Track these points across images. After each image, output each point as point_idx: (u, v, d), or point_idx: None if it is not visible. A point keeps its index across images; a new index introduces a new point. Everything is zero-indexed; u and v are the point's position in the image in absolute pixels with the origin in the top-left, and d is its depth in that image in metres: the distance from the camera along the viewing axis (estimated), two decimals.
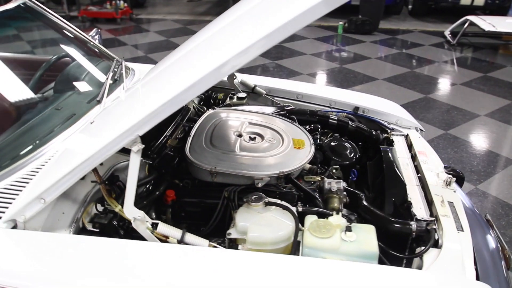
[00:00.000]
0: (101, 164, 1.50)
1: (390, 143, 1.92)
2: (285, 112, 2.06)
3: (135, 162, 1.17)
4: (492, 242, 1.70)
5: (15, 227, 1.25)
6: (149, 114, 1.09)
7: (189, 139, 1.69)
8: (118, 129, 1.11)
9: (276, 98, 2.34)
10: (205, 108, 2.14)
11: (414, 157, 1.81)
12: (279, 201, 1.41)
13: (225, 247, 1.35)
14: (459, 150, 3.60)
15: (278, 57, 6.17)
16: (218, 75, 1.07)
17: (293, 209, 1.39)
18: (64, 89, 1.97)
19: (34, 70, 2.07)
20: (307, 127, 2.00)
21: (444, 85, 5.13)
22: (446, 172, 2.11)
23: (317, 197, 1.52)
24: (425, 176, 1.65)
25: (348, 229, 1.32)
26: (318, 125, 2.02)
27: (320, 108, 2.24)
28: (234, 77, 2.32)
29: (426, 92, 4.85)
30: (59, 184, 1.19)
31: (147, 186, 1.58)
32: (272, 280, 1.11)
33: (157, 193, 1.54)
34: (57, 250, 1.18)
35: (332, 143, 1.84)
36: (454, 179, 1.63)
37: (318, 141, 1.90)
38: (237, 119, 1.89)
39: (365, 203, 1.53)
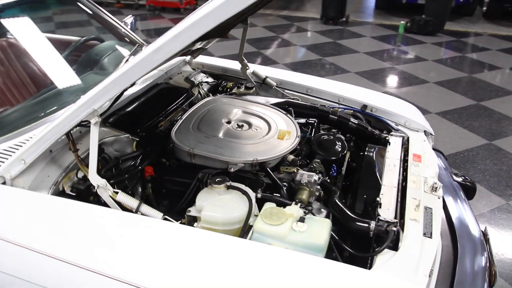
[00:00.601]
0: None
1: (386, 143, 1.87)
2: (285, 104, 2.07)
3: (94, 133, 1.28)
4: (480, 256, 1.62)
5: (5, 183, 1.42)
6: (101, 90, 1.19)
7: (179, 122, 1.78)
8: (78, 103, 1.23)
9: (286, 90, 2.36)
10: (211, 95, 2.22)
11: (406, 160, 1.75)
12: (240, 186, 1.45)
13: (184, 223, 1.43)
14: (499, 162, 3.34)
15: (328, 54, 6.09)
16: (153, 59, 1.14)
17: (253, 195, 1.42)
18: (84, 69, 2.16)
19: (63, 50, 2.28)
20: (304, 121, 2.00)
21: (501, 93, 4.75)
22: (459, 180, 2.03)
23: (283, 187, 1.54)
24: (407, 179, 1.60)
25: (301, 220, 1.33)
26: (315, 120, 2.01)
27: (329, 104, 2.23)
28: (247, 67, 2.37)
29: (478, 99, 4.54)
30: (33, 149, 1.34)
31: (133, 161, 1.69)
32: (208, 258, 1.17)
33: (139, 168, 1.65)
34: (28, 206, 1.33)
35: (320, 138, 1.83)
36: (441, 185, 1.56)
37: (308, 134, 1.90)
38: (232, 107, 1.95)
39: (336, 199, 1.52)
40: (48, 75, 2.21)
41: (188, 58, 2.51)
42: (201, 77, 2.37)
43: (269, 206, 1.39)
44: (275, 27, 7.60)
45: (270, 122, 1.84)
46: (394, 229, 1.31)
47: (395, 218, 1.41)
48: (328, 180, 1.68)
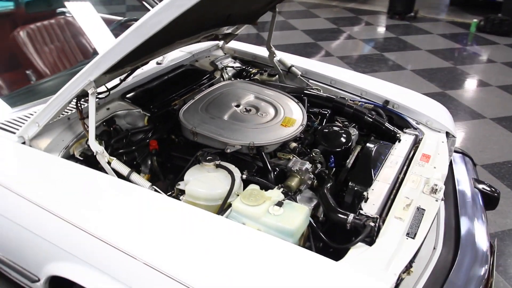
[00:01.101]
0: (108, 109, 1.79)
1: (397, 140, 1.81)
2: (301, 93, 2.08)
3: (91, 103, 1.39)
4: (479, 267, 1.54)
5: (24, 143, 1.60)
6: (95, 62, 1.30)
7: (190, 102, 1.87)
8: (77, 75, 1.35)
9: (310, 80, 2.35)
10: (233, 79, 2.28)
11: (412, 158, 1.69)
12: (229, 166, 1.50)
13: (174, 196, 1.51)
14: None
15: (388, 49, 5.87)
16: (139, 32, 1.22)
17: (238, 175, 1.47)
18: None
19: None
20: (318, 111, 2.00)
21: None
22: (480, 188, 1.91)
23: (272, 172, 1.56)
24: (406, 178, 1.55)
25: (279, 204, 1.35)
26: (327, 110, 2.00)
27: (351, 97, 2.19)
28: (274, 55, 2.39)
29: None
30: (44, 113, 1.49)
31: (143, 135, 1.80)
32: (179, 229, 1.25)
33: (146, 141, 1.75)
34: (38, 165, 1.49)
35: (325, 129, 1.82)
36: (443, 187, 1.50)
37: (317, 124, 1.89)
38: (246, 92, 1.99)
39: (324, 189, 1.52)
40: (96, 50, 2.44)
41: (221, 43, 2.58)
42: (228, 62, 2.44)
43: (251, 187, 1.43)
44: (338, 19, 7.44)
45: (278, 109, 1.86)
46: (372, 224, 1.29)
47: (381, 214, 1.38)
48: (327, 171, 1.68)
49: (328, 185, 1.55)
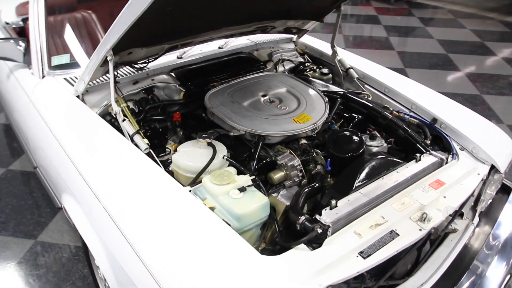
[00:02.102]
0: (153, 79, 2.03)
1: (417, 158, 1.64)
2: (339, 94, 2.02)
3: (110, 67, 1.62)
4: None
5: (79, 97, 1.93)
6: (108, 33, 1.50)
7: (223, 85, 1.99)
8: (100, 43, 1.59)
9: (365, 85, 2.25)
10: (286, 72, 2.32)
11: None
12: (218, 145, 1.59)
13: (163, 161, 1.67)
14: None
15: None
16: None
17: (221, 155, 1.55)
18: None
19: None
20: (350, 115, 1.94)
21: None
22: None
23: (256, 160, 1.59)
24: (395, 197, 1.43)
25: (241, 189, 1.40)
26: (358, 116, 1.91)
27: (399, 108, 2.05)
28: (336, 54, 2.35)
29: None
30: (85, 73, 1.77)
31: (176, 108, 1.99)
32: (143, 187, 1.40)
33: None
34: (75, 114, 1.81)
35: (339, 133, 1.75)
36: (438, 220, 1.38)
37: (334, 126, 1.84)
38: (281, 84, 2.02)
39: (302, 188, 1.51)
40: None
41: (294, 37, 2.63)
42: (290, 56, 2.48)
43: (226, 169, 1.50)
44: (486, 33, 6.61)
45: (301, 105, 1.86)
46: (319, 230, 1.25)
47: (341, 225, 1.32)
48: (323, 173, 1.64)
49: (314, 185, 1.53)
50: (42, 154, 1.97)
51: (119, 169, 1.49)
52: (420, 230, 1.33)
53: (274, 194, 1.57)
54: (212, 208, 1.37)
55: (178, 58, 2.22)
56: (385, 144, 1.80)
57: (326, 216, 1.31)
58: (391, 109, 2.00)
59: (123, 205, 1.34)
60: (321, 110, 1.83)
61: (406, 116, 1.95)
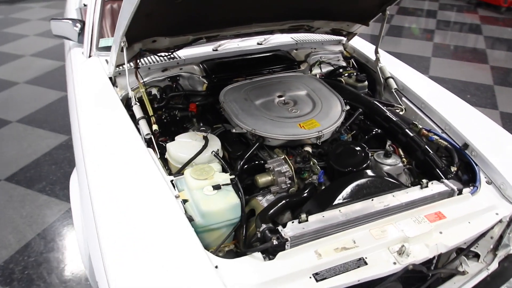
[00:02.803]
0: (181, 69, 2.10)
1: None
2: (362, 104, 1.89)
3: (125, 54, 1.69)
4: None
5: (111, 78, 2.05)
6: (118, 20, 1.56)
7: (244, 81, 1.98)
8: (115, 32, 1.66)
9: (403, 98, 2.07)
10: (317, 75, 2.23)
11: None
12: (213, 140, 1.59)
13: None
14: None
15: None
16: None
17: (210, 150, 1.55)
18: None
19: None
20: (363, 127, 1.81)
21: None
22: None
23: (243, 160, 1.55)
24: (377, 224, 1.30)
25: (216, 187, 1.39)
26: (376, 130, 1.77)
27: (431, 126, 1.85)
28: (379, 61, 2.20)
29: None
30: (111, 57, 1.87)
31: (199, 98, 2.03)
32: (123, 168, 1.45)
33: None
34: (99, 94, 1.93)
35: (345, 145, 1.63)
36: (411, 252, 1.22)
37: (344, 137, 1.72)
38: (304, 86, 1.94)
39: (282, 196, 1.45)
40: None
41: (344, 40, 2.51)
42: (331, 58, 2.37)
43: (210, 164, 1.49)
44: None
45: (315, 110, 1.77)
46: (275, 241, 1.19)
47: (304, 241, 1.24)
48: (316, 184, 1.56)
49: (295, 194, 1.46)
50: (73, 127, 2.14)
51: (110, 152, 1.54)
52: (395, 263, 1.20)
53: (259, 198, 1.53)
54: (185, 201, 1.38)
55: (213, 50, 2.26)
56: (400, 164, 1.64)
57: (290, 229, 1.24)
58: (420, 127, 1.81)
59: (102, 185, 1.40)
60: (334, 118, 1.72)
61: (434, 136, 1.75)
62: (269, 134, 1.62)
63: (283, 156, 1.58)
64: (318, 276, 1.15)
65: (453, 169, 1.61)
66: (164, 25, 1.78)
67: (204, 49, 2.23)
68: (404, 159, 1.70)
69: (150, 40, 1.82)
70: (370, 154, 1.60)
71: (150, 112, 1.80)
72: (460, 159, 1.65)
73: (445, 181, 1.48)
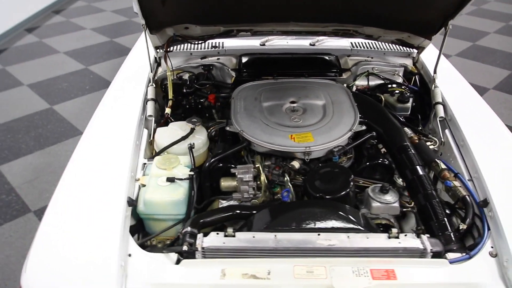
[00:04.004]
0: (218, 59, 2.12)
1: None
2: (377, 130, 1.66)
3: (148, 40, 1.76)
4: None
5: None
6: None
7: (266, 81, 1.91)
8: None
9: (446, 130, 1.73)
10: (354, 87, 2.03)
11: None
12: (198, 134, 1.61)
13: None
14: None
15: None
16: None
17: (189, 142, 1.55)
18: None
19: None
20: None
21: None
22: None
23: (212, 159, 1.52)
24: (313, 260, 1.16)
25: (170, 179, 1.39)
26: (384, 160, 1.54)
27: (460, 170, 1.54)
28: (434, 83, 1.88)
29: None
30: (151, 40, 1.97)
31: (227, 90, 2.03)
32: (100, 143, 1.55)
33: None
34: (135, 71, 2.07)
35: (329, 169, 1.45)
36: None
37: (336, 159, 1.53)
38: (325, 96, 1.78)
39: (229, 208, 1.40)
40: None
41: (415, 53, 2.21)
42: (387, 71, 2.11)
43: (178, 156, 1.50)
44: None
45: (319, 124, 1.62)
46: (185, 247, 1.16)
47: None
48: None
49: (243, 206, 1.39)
50: None
51: (102, 129, 1.64)
52: None
53: (223, 201, 1.49)
54: (142, 185, 1.42)
55: (260, 45, 2.21)
56: (396, 204, 1.41)
57: (209, 240, 1.19)
58: (443, 167, 1.51)
59: (79, 156, 1.49)
60: (334, 136, 1.55)
61: (452, 182, 1.45)
62: (254, 139, 1.54)
63: (257, 165, 1.50)
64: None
65: (462, 226, 1.32)
66: (196, 13, 1.81)
67: (251, 42, 2.20)
68: (411, 200, 1.46)
69: (182, 26, 1.87)
70: (364, 185, 1.42)
71: (170, 95, 1.87)
72: (476, 217, 1.34)
73: (423, 237, 1.22)
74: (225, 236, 1.20)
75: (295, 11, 1.82)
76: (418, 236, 1.23)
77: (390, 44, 2.21)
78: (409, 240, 1.21)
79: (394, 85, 1.99)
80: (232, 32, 1.95)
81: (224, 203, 1.47)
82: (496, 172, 1.44)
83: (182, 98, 2.00)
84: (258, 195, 1.45)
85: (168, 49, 2.05)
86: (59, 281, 1.10)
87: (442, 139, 1.70)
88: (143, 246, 1.27)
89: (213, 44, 2.18)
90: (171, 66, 1.98)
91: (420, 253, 1.19)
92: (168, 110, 1.83)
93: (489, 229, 1.29)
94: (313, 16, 1.85)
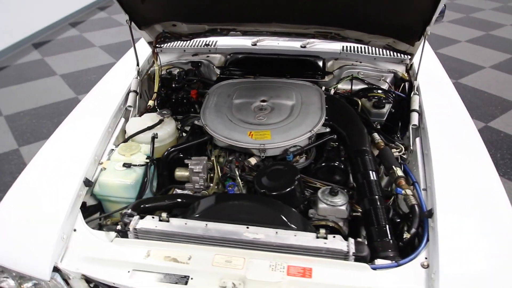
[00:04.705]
0: (208, 56, 2.20)
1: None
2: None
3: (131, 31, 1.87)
4: None
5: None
6: None
7: (244, 80, 1.96)
8: None
9: (417, 139, 1.70)
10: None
11: None
12: (167, 123, 1.71)
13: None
14: None
15: None
16: None
17: (154, 132, 1.64)
18: None
19: None
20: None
21: None
22: None
23: (169, 150, 1.61)
24: (234, 251, 1.20)
25: (127, 165, 1.48)
26: (335, 163, 1.55)
27: (419, 179, 1.51)
28: (414, 90, 1.85)
29: None
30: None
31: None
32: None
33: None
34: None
35: (279, 167, 1.47)
36: None
37: (290, 158, 1.55)
38: (296, 96, 1.80)
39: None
40: None
41: (408, 59, 2.17)
42: (373, 76, 2.09)
43: (139, 144, 1.58)
44: None
45: (282, 123, 1.65)
46: (118, 227, 1.26)
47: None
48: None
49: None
50: None
51: (82, 116, 1.77)
52: None
53: (179, 190, 1.56)
54: (104, 169, 1.52)
55: (252, 45, 2.26)
56: (343, 208, 1.41)
57: (142, 223, 1.26)
58: (399, 174, 1.49)
59: (56, 137, 1.64)
60: (292, 136, 1.57)
61: (404, 190, 1.43)
62: (214, 133, 1.60)
63: (212, 158, 1.56)
64: (134, 274, 1.15)
65: (406, 235, 1.31)
66: (180, 11, 1.90)
67: (243, 42, 2.25)
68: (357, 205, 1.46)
69: (170, 23, 1.97)
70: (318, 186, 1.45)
71: (155, 89, 1.97)
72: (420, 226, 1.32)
73: (350, 240, 1.22)
74: (160, 220, 1.27)
75: (277, 12, 1.85)
76: (346, 239, 1.23)
77: (382, 50, 2.19)
78: (335, 242, 1.21)
79: (379, 91, 1.96)
80: (216, 30, 2.01)
81: (178, 190, 1.54)
82: (450, 184, 1.40)
83: (171, 93, 2.10)
84: (209, 187, 1.51)
85: (160, 45, 2.16)
86: (5, 243, 1.24)
87: (411, 147, 1.67)
88: (100, 226, 1.39)
89: (206, 42, 2.26)
90: (160, 61, 2.08)
91: (344, 256, 1.19)
92: (150, 102, 1.93)
93: (428, 240, 1.26)
94: (295, 18, 1.87)
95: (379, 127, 1.83)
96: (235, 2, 1.78)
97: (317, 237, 1.22)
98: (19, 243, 1.24)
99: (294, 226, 1.26)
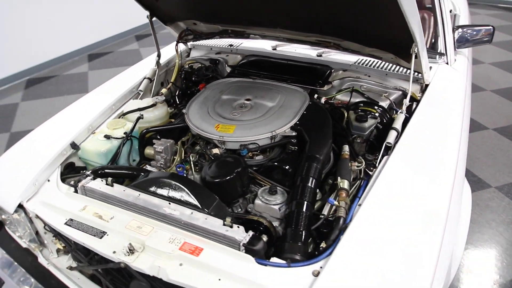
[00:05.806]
0: (227, 55, 2.39)
1: None
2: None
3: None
4: None
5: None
6: None
7: (243, 79, 2.09)
8: None
9: (385, 157, 1.65)
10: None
11: None
12: (158, 109, 1.95)
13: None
14: None
15: None
16: None
17: (139, 113, 1.88)
18: None
19: None
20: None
21: None
22: None
23: (144, 131, 1.83)
24: (149, 220, 1.37)
25: (107, 136, 1.75)
26: (286, 166, 1.61)
27: None
28: (399, 109, 1.79)
29: None
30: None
31: None
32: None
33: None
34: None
35: (228, 159, 1.58)
36: (133, 256, 1.30)
37: (245, 153, 1.65)
38: (282, 100, 1.87)
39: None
40: None
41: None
42: (379, 91, 2.04)
43: (125, 121, 1.84)
44: None
45: (250, 122, 1.75)
46: (72, 182, 1.54)
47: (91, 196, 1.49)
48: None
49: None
50: None
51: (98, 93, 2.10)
52: (114, 252, 1.29)
53: (148, 166, 1.77)
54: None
55: (272, 49, 2.37)
56: (275, 207, 1.48)
57: (90, 182, 1.50)
58: (342, 186, 1.49)
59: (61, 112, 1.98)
60: (253, 133, 1.67)
61: (334, 201, 1.43)
62: (188, 121, 1.78)
63: (179, 142, 1.74)
64: (69, 222, 1.39)
65: (323, 245, 1.33)
66: (201, 11, 2.11)
67: (264, 46, 2.39)
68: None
69: (191, 22, 2.20)
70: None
71: (172, 79, 2.23)
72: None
73: (250, 233, 1.29)
74: (106, 184, 1.49)
75: (281, 19, 1.94)
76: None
77: (396, 66, 2.12)
78: (234, 232, 1.29)
79: (375, 106, 1.92)
80: (227, 31, 2.18)
81: (148, 168, 1.75)
82: (381, 203, 1.37)
83: (192, 85, 2.33)
84: (170, 167, 1.69)
85: (188, 41, 2.41)
86: None
87: (377, 164, 1.63)
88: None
89: (231, 43, 2.44)
90: (181, 55, 2.32)
91: (237, 245, 1.27)
92: (163, 90, 2.18)
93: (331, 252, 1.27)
94: (297, 25, 1.95)
95: (358, 141, 1.81)
96: (244, 6, 1.92)
97: (224, 224, 1.32)
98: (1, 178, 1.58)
99: (206, 210, 1.37)
